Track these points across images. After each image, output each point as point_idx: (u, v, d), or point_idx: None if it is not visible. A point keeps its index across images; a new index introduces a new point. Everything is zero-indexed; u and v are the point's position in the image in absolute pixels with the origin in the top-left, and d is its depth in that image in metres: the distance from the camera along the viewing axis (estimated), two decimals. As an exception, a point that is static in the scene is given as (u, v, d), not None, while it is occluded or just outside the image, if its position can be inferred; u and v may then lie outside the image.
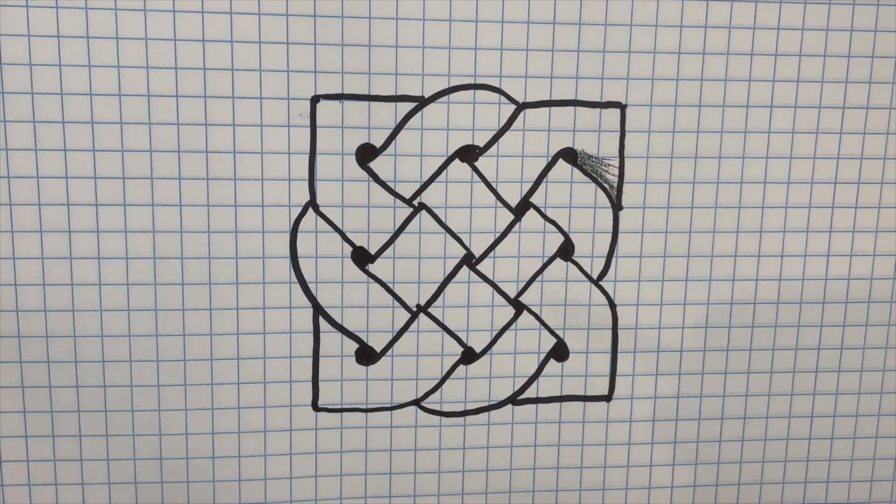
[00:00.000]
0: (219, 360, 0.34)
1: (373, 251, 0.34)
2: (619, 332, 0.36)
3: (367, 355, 0.35)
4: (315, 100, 0.33)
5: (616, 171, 0.35)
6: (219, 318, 0.34)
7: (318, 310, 0.35)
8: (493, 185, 0.34)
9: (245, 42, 0.32)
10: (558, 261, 0.36)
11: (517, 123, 0.34)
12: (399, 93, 0.33)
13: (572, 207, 0.35)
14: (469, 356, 0.36)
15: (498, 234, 0.35)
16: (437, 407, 0.36)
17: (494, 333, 0.36)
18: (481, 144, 0.34)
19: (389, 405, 0.36)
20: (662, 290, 0.36)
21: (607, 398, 0.37)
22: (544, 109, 0.34)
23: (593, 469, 0.38)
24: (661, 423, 0.37)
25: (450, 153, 0.34)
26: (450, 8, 0.33)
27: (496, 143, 0.34)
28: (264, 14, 0.32)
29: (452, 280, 0.35)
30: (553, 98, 0.34)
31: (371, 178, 0.34)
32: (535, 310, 0.36)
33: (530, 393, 0.37)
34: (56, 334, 0.33)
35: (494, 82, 0.34)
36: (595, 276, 0.36)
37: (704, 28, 0.34)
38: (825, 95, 0.35)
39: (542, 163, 0.35)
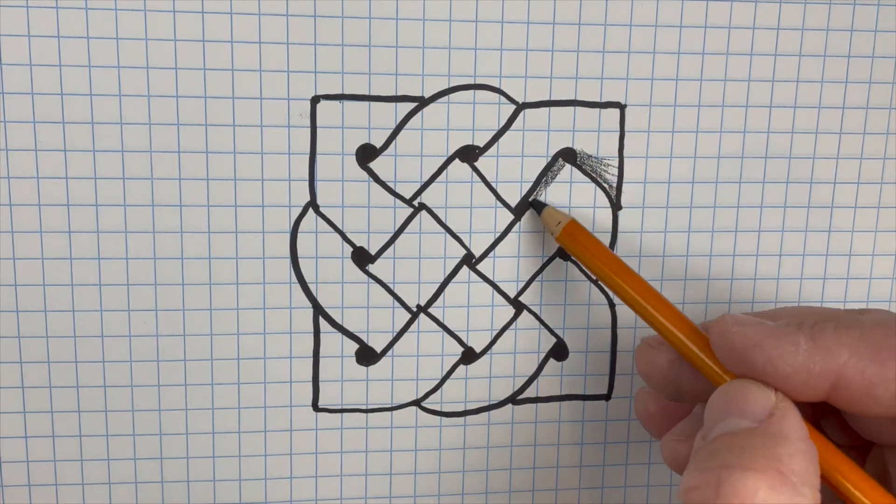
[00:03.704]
0: (219, 360, 0.34)
1: (373, 251, 0.34)
2: (619, 331, 0.36)
3: (367, 356, 0.35)
4: (315, 100, 0.33)
5: (615, 171, 0.35)
6: (219, 319, 0.34)
7: (319, 310, 0.35)
8: (493, 185, 0.34)
9: (245, 42, 0.32)
10: (558, 261, 0.36)
11: (517, 123, 0.34)
12: (399, 93, 0.33)
13: (572, 207, 0.35)
14: (469, 356, 0.36)
15: (498, 234, 0.35)
16: (437, 407, 0.36)
17: (494, 333, 0.36)
18: (481, 144, 0.34)
19: (390, 405, 0.36)
20: (661, 289, 0.36)
21: (606, 397, 0.37)
22: (544, 109, 0.34)
23: (592, 468, 0.38)
24: (661, 422, 0.37)
25: (450, 153, 0.34)
26: (450, 8, 0.33)
27: (496, 143, 0.34)
28: (264, 14, 0.32)
29: (452, 280, 0.35)
30: (553, 98, 0.34)
31: (371, 179, 0.34)
32: (535, 310, 0.36)
33: (530, 393, 0.37)
34: (56, 334, 0.33)
35: (494, 82, 0.34)
36: (595, 276, 0.36)
37: (704, 28, 0.34)
38: (825, 96, 0.35)
39: (542, 163, 0.35)
